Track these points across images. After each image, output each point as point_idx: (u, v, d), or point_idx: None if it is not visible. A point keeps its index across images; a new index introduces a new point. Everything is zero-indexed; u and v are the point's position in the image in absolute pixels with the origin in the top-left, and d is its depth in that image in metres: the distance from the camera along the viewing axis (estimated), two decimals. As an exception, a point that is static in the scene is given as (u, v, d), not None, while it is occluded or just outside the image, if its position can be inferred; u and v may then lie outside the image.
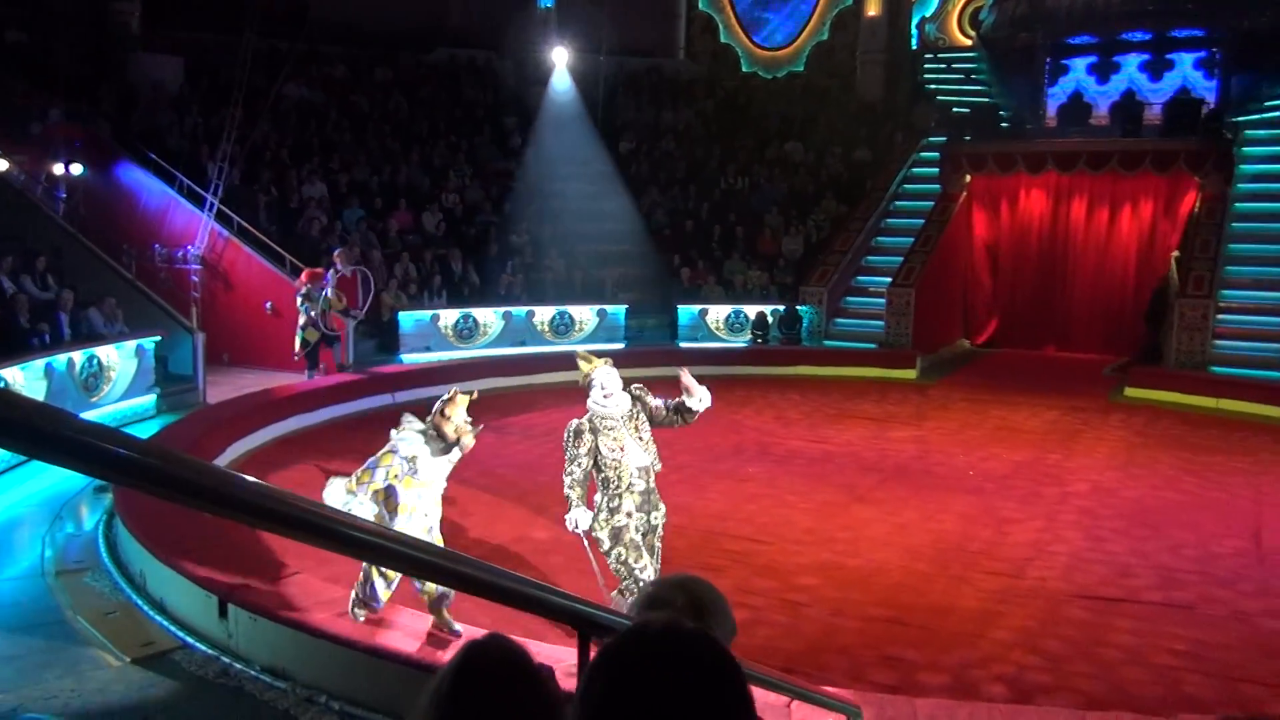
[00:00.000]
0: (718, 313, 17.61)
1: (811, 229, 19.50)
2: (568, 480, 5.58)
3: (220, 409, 11.15)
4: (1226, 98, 18.97)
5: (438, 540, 5.54)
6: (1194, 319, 15.27)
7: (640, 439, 5.62)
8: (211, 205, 14.66)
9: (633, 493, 5.58)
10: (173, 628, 5.72)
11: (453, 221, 17.82)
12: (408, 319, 15.21)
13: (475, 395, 5.67)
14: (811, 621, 6.50)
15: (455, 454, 5.52)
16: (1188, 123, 17.15)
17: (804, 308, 17.52)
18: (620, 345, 16.72)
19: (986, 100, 21.47)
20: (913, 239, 18.11)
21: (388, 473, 5.35)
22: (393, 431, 5.53)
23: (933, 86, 22.98)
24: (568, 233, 18.70)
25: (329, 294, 13.13)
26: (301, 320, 13.15)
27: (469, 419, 5.50)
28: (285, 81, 17.38)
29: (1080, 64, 20.72)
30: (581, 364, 5.81)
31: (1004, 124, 19.59)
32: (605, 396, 5.61)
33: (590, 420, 5.62)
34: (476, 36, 22.95)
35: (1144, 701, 5.36)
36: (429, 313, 15.47)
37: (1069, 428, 12.62)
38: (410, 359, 14.89)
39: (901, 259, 17.77)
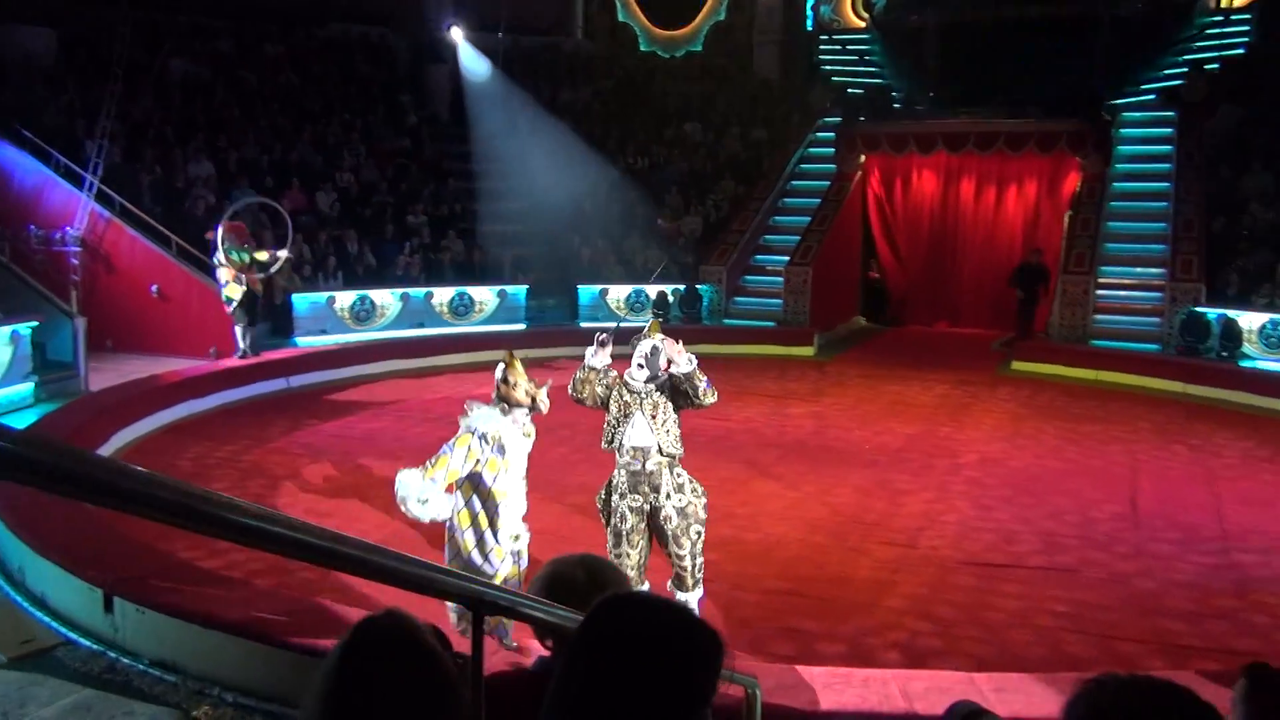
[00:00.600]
0: (618, 292, 17.63)
1: (710, 208, 19.64)
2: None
3: (103, 396, 10.74)
4: (1106, 80, 19.68)
5: (525, 532, 5.36)
6: (1075, 294, 15.88)
7: (653, 419, 5.41)
8: (91, 185, 14.05)
9: (623, 470, 5.47)
10: (55, 624, 5.52)
11: (348, 202, 17.42)
12: (302, 301, 14.85)
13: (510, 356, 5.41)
14: (712, 596, 6.58)
15: (531, 430, 5.32)
16: (1069, 105, 17.76)
17: (704, 287, 17.67)
18: (521, 326, 16.65)
19: (880, 81, 21.89)
20: (809, 218, 18.41)
21: (466, 456, 5.02)
22: (461, 420, 5.20)
23: (828, 68, 23.33)
24: (466, 213, 18.49)
25: (249, 248, 12.79)
26: (223, 277, 12.70)
27: (533, 379, 5.28)
28: (168, 56, 16.72)
29: (960, 47, 21.23)
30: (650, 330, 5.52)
31: (896, 105, 20.00)
32: (638, 367, 5.43)
33: (622, 378, 5.47)
34: (370, 12, 22.43)
35: (1029, 662, 5.58)
36: (324, 295, 15.12)
37: (959, 401, 13.02)
38: (305, 342, 14.55)
39: (799, 238, 18.05)
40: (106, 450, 9.16)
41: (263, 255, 13.07)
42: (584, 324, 17.16)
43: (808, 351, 16.33)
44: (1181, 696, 1.35)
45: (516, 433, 5.28)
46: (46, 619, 5.58)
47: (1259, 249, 15.38)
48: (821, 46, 24.11)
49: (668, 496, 5.44)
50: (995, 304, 18.12)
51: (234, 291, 12.74)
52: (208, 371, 12.33)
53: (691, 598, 5.62)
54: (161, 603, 5.17)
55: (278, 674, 4.75)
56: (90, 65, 16.96)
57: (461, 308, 16.37)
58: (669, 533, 5.46)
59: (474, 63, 20.84)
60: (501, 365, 5.34)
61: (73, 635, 5.37)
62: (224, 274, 12.75)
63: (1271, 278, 14.71)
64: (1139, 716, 1.34)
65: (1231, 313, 14.56)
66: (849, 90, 21.18)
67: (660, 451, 5.41)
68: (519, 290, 17.03)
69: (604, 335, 5.44)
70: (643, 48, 25.98)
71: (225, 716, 4.61)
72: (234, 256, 12.68)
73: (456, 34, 20.95)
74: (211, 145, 16.89)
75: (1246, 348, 14.28)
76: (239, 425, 10.91)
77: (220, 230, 12.74)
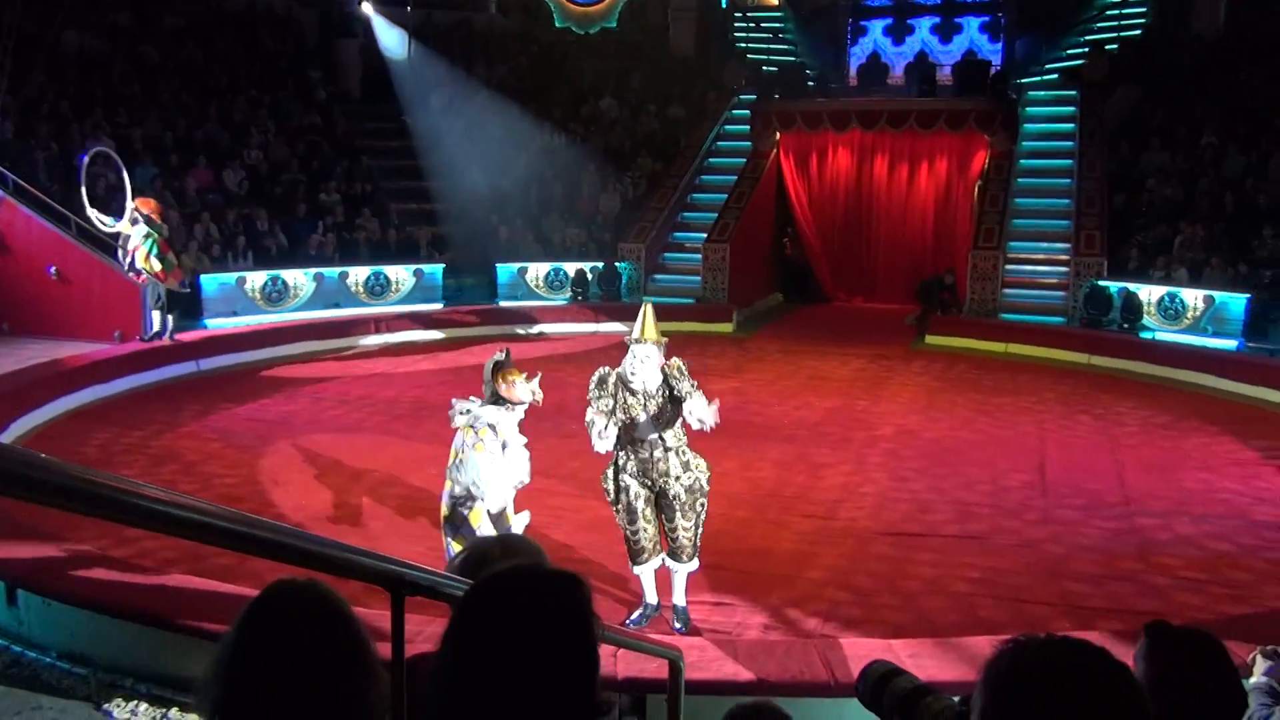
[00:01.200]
0: (537, 270, 17.52)
1: (628, 186, 19.61)
2: (590, 422, 5.58)
3: (1, 381, 10.31)
4: (1011, 60, 20.15)
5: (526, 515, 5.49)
6: (985, 269, 16.26)
7: (656, 419, 5.50)
8: (-19, 162, 13.45)
9: (631, 457, 5.56)
10: (-46, 619, 5.30)
11: (256, 180, 16.96)
12: (211, 282, 14.42)
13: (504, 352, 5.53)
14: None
15: (520, 410, 5.41)
16: (977, 84, 18.14)
17: (622, 264, 17.66)
18: (439, 305, 16.45)
19: (793, 59, 22.06)
20: (727, 196, 18.50)
21: (490, 456, 5.22)
22: (460, 418, 5.29)
23: (743, 45, 23.41)
24: (381, 191, 18.17)
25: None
26: (149, 249, 12.08)
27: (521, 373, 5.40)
28: (62, 28, 16.03)
29: (877, 26, 21.59)
30: (643, 329, 5.53)
31: (811, 83, 20.17)
32: (632, 374, 5.48)
33: (618, 373, 5.54)
34: (275, -17, 21.77)
35: (944, 628, 5.73)
36: (234, 275, 14.72)
37: (875, 375, 13.26)
38: (215, 324, 14.16)
39: (716, 215, 18.14)
40: (6, 438, 8.82)
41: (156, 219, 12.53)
42: (502, 303, 17.04)
43: (727, 328, 16.46)
44: (1096, 655, 1.39)
45: (515, 427, 5.39)
46: (-55, 615, 5.36)
47: (1156, 224, 15.93)
48: (736, 24, 24.19)
49: (676, 479, 5.57)
50: (909, 279, 18.45)
51: (154, 264, 12.15)
52: (113, 355, 11.92)
53: (689, 568, 5.77)
54: (68, 593, 5.01)
55: (193, 662, 4.63)
56: (-22, 37, 16.18)
57: (378, 287, 16.09)
58: (676, 509, 5.59)
59: (389, 37, 20.43)
60: (494, 363, 5.41)
61: (-26, 630, 5.17)
62: (151, 245, 12.12)
63: (1168, 251, 15.26)
64: (1056, 673, 1.38)
65: (1132, 286, 15.07)
66: (764, 68, 21.31)
67: (664, 446, 5.53)
68: (436, 269, 16.81)
69: (603, 430, 5.57)
70: (557, 23, 25.71)
71: (139, 708, 4.49)
72: (147, 244, 12.13)
73: (367, 8, 20.50)
74: (111, 121, 16.28)
75: (1146, 319, 14.80)
76: (148, 410, 10.59)
77: (139, 205, 12.23)
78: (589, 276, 17.42)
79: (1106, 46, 19.95)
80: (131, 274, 12.36)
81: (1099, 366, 13.87)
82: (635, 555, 5.73)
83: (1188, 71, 18.56)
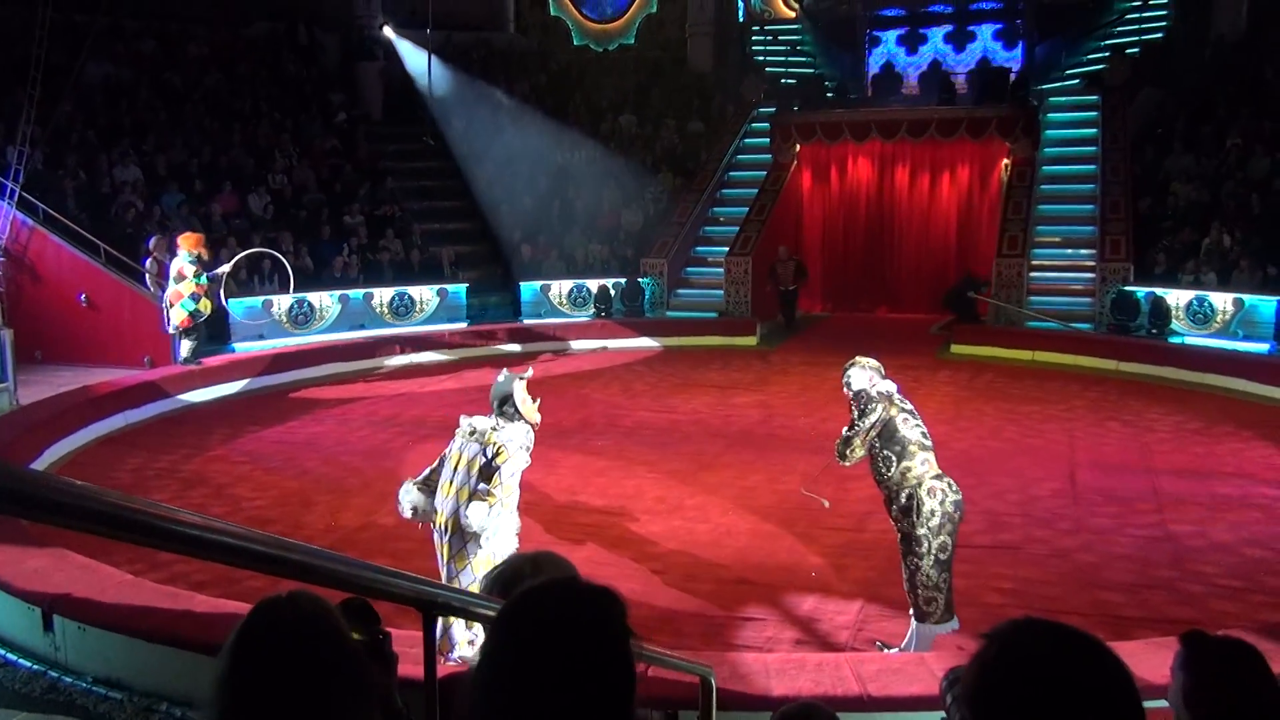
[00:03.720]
0: (560, 288, 17.58)
1: (650, 202, 19.66)
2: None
3: (34, 410, 10.43)
4: (1031, 67, 20.06)
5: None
6: (1010, 277, 16.17)
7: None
8: (12, 193, 13.66)
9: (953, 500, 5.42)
10: (-9, 645, 5.36)
11: (281, 203, 17.14)
12: (237, 306, 14.56)
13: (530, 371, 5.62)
14: (665, 588, 6.61)
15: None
16: (997, 91, 18.08)
17: (645, 280, 17.69)
18: (463, 324, 16.53)
19: (812, 71, 22.07)
20: (748, 209, 18.51)
21: (515, 473, 5.14)
22: (471, 438, 5.20)
23: (760, 58, 23.44)
24: (404, 212, 18.30)
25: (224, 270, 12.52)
26: (190, 289, 12.11)
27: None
28: (88, 58, 16.28)
29: (891, 36, 21.55)
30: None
31: (829, 94, 20.17)
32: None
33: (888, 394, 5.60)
34: (297, 9, 22.03)
35: (976, 640, 5.66)
36: (260, 299, 14.86)
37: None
38: (243, 348, 14.29)
39: (738, 229, 18.14)
40: (40, 465, 8.93)
41: (205, 255, 12.67)
42: (526, 320, 17.10)
43: (750, 341, 16.43)
44: (1085, 642, 1.41)
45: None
46: (-18, 641, 5.42)
47: (1183, 228, 15.79)
48: (753, 38, 24.22)
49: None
50: (933, 288, 18.37)
51: (206, 306, 12.26)
52: (143, 381, 12.04)
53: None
54: (103, 619, 5.05)
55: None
56: (7, 69, 16.47)
57: (402, 308, 16.20)
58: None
59: (413, 59, 20.59)
60: (516, 382, 5.39)
61: (10, 656, 5.22)
62: (193, 288, 12.18)
63: (1195, 255, 15.11)
64: (1043, 656, 1.42)
65: (1159, 290, 14.94)
66: (782, 81, 21.33)
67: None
68: (459, 289, 16.90)
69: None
70: (576, 41, 25.89)
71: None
72: (199, 279, 12.20)
73: (388, 31, 20.70)
74: (137, 149, 16.51)
75: (1175, 324, 14.67)
76: (178, 435, 10.69)
77: (191, 244, 12.29)
78: (612, 293, 17.46)
79: (1127, 50, 19.84)
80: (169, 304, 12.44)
81: (1128, 373, 13.74)
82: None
83: (1210, 74, 18.43)
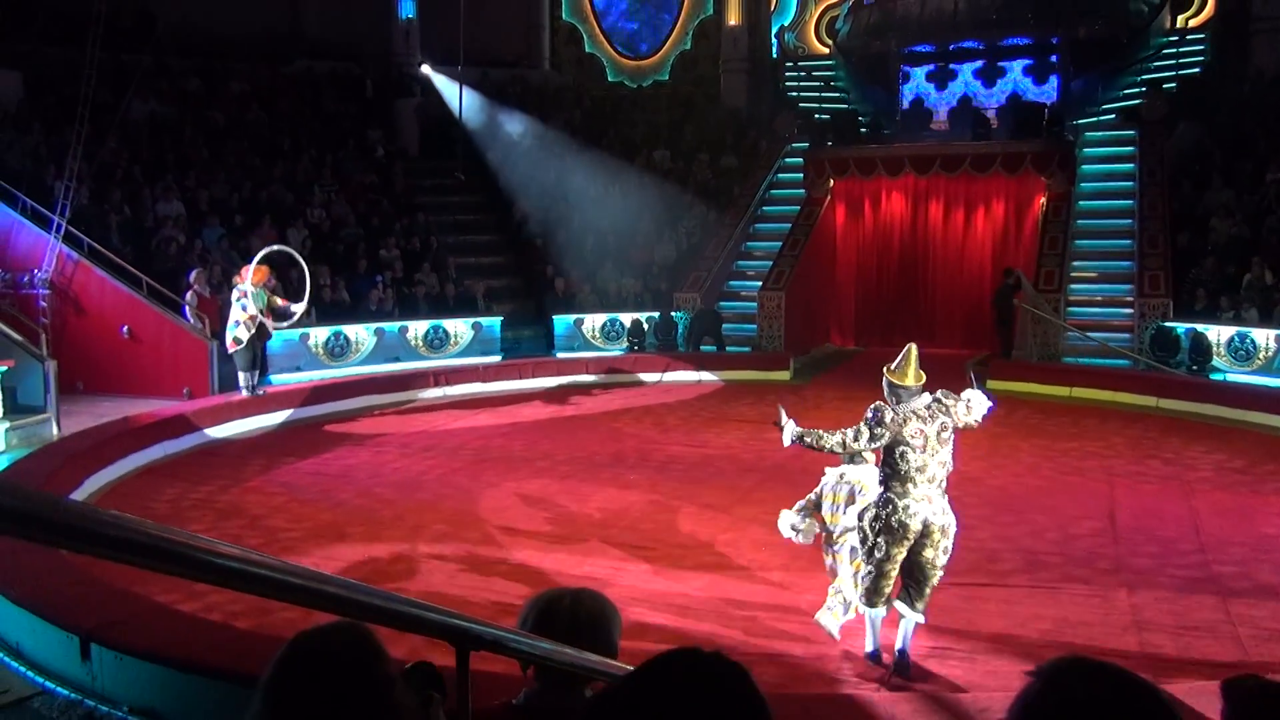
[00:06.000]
0: (593, 321, 17.64)
1: (683, 236, 19.73)
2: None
3: (75, 440, 10.58)
4: (1066, 102, 20.01)
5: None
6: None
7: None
8: (59, 227, 13.94)
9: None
10: (30, 673, 5.40)
11: (319, 237, 17.37)
12: (275, 339, 14.72)
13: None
14: (699, 624, 6.56)
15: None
16: (1031, 126, 18.03)
17: (678, 314, 17.71)
18: (497, 358, 16.61)
19: (845, 106, 22.13)
20: (781, 243, 18.53)
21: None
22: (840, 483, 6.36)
23: (794, 94, 23.56)
24: (438, 245, 18.49)
25: (268, 291, 12.63)
26: (236, 315, 12.43)
27: None
28: (133, 96, 16.66)
29: (920, 72, 21.60)
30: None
31: (863, 129, 20.21)
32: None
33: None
34: (336, 47, 22.46)
35: (1015, 679, 5.57)
36: (298, 331, 15.03)
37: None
38: (280, 380, 14.44)
39: (771, 263, 18.15)
40: (80, 495, 9.04)
41: (279, 301, 12.93)
42: (559, 354, 17.16)
43: (784, 375, 16.37)
44: (1136, 684, 1.39)
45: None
46: (21, 669, 5.47)
47: (1223, 263, 15.61)
48: (787, 73, 24.37)
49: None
50: (968, 324, 18.25)
51: (243, 333, 12.42)
52: (181, 412, 12.19)
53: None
54: (140, 648, 5.08)
55: (260, 717, 4.67)
56: (56, 108, 16.89)
57: (436, 340, 16.32)
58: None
59: (454, 94, 20.86)
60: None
61: (49, 684, 5.26)
62: (238, 314, 12.45)
63: (1235, 290, 14.92)
64: (1090, 698, 1.40)
65: (1200, 327, 14.75)
66: (816, 116, 21.40)
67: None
68: (494, 322, 17.01)
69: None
70: (610, 78, 26.16)
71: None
72: (258, 300, 12.45)
73: (427, 68, 21.03)
74: (180, 184, 16.83)
75: (1216, 361, 14.46)
76: (215, 466, 10.80)
77: (248, 272, 12.55)
78: (645, 327, 17.49)
79: (1164, 85, 19.74)
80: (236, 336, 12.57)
81: (1168, 410, 13.53)
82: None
83: (1249, 108, 18.27)
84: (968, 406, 6.02)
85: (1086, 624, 6.51)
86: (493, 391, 15.20)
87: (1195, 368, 14.49)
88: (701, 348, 17.31)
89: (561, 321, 17.59)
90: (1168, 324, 15.02)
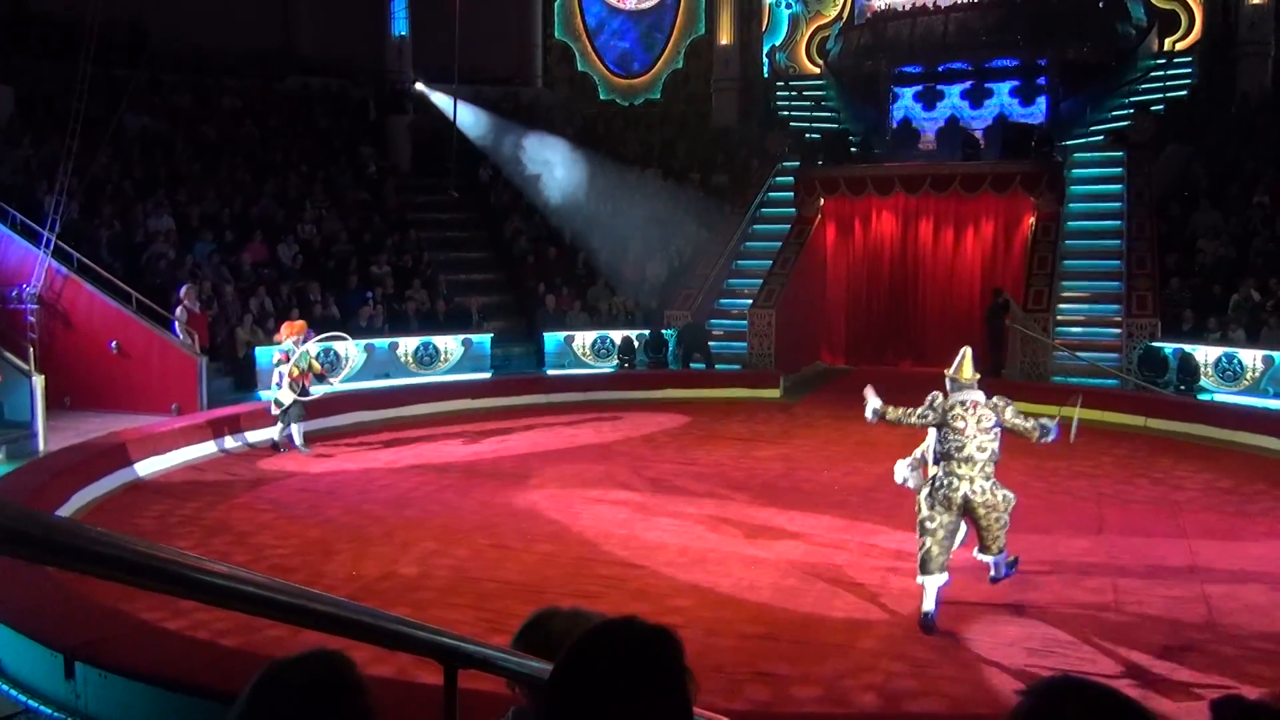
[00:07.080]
0: (584, 339, 17.64)
1: (673, 254, 19.77)
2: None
3: (62, 456, 10.52)
4: (1055, 123, 20.16)
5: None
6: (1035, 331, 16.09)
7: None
8: (48, 241, 13.90)
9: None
10: (13, 692, 5.36)
11: (310, 253, 17.36)
12: (265, 354, 14.68)
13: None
14: (686, 642, 6.50)
15: None
16: (1019, 147, 18.15)
17: (669, 331, 17.73)
18: (487, 374, 16.59)
19: (836, 126, 22.25)
20: (772, 261, 18.58)
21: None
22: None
23: (785, 113, 23.68)
24: (430, 262, 18.48)
25: (308, 350, 12.33)
26: (276, 380, 12.10)
27: None
28: (125, 110, 16.65)
29: (908, 92, 21.76)
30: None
31: (853, 149, 20.32)
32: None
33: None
34: (329, 64, 22.51)
35: (1005, 699, 5.58)
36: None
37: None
38: (269, 396, 14.33)
39: (762, 281, 18.20)
40: (65, 511, 8.98)
41: (318, 366, 12.73)
42: (550, 371, 17.14)
43: (774, 393, 16.38)
44: (1123, 704, 1.40)
45: None
46: (4, 687, 5.42)
47: (1210, 284, 15.70)
48: (778, 93, 24.51)
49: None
50: (957, 343, 18.09)
51: (286, 396, 12.05)
52: (169, 428, 12.13)
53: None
54: (125, 666, 5.04)
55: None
56: (47, 122, 16.87)
57: (426, 357, 16.29)
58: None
59: (449, 109, 20.88)
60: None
61: (32, 703, 5.22)
62: (281, 377, 12.06)
63: (1223, 311, 15.00)
64: (1081, 713, 1.40)
65: (1187, 347, 14.82)
66: (806, 135, 21.51)
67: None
68: (484, 339, 16.99)
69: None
70: (602, 96, 26.27)
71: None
72: (301, 361, 12.16)
73: (420, 86, 21.07)
74: (171, 199, 16.81)
75: (1203, 381, 14.52)
76: (202, 482, 10.75)
77: (284, 330, 12.36)
78: (635, 344, 17.50)
79: (1152, 108, 19.92)
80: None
81: (1156, 429, 13.59)
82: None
83: (1236, 131, 18.43)
84: (1016, 413, 7.05)
85: (1076, 643, 6.51)
86: (482, 408, 15.17)
87: (1183, 388, 14.55)
88: (690, 365, 17.35)
89: (552, 339, 17.59)
90: (1156, 344, 15.09)
